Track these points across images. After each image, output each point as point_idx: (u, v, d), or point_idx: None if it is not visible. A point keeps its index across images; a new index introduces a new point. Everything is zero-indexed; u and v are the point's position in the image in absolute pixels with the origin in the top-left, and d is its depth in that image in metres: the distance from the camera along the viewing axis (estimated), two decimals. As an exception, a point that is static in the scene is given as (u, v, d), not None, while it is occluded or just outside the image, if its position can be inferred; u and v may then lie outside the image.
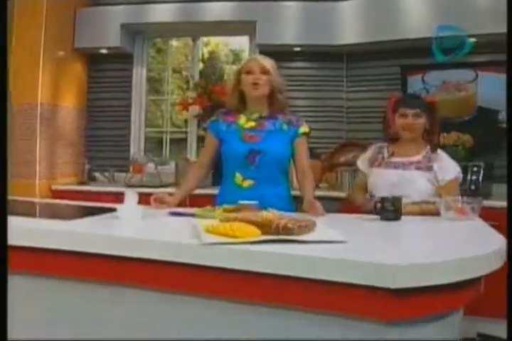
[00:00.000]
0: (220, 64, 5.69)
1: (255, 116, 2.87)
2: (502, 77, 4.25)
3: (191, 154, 5.34)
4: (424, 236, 2.15)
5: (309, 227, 1.87)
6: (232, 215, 1.98)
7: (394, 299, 1.49)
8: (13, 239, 1.87)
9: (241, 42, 5.78)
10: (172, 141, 5.50)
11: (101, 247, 1.84)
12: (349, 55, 4.96)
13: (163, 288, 1.79)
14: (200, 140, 5.34)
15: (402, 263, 1.48)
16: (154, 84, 5.60)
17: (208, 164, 3.00)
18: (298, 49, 4.87)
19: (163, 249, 1.76)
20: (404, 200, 2.55)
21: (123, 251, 1.80)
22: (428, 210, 2.72)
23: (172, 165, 4.99)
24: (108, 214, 2.39)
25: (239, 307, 1.69)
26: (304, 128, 2.90)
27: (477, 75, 4.46)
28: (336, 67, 5.03)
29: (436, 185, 2.86)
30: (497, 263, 1.69)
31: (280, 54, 4.67)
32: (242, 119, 2.88)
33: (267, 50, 4.88)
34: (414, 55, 4.66)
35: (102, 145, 5.28)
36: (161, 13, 4.90)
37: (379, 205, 2.46)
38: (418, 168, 2.87)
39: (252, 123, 2.86)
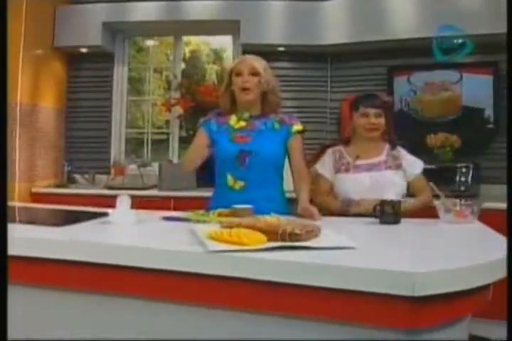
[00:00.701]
0: (201, 63, 5.59)
1: (246, 115, 2.80)
2: (486, 78, 4.28)
3: (174, 155, 5.25)
4: (432, 241, 2.10)
5: (315, 232, 1.81)
6: (235, 221, 1.91)
7: (413, 307, 1.45)
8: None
9: (222, 42, 5.72)
10: (153, 142, 5.40)
11: (100, 256, 1.76)
12: (333, 55, 4.91)
13: (165, 298, 1.72)
14: (182, 141, 5.26)
15: (422, 270, 1.44)
16: (135, 84, 5.49)
17: (196, 161, 2.87)
18: (282, 49, 4.81)
19: (168, 257, 1.69)
20: None
21: (125, 261, 1.72)
22: (410, 209, 2.75)
23: (154, 166, 4.88)
24: (100, 219, 2.31)
25: (250, 318, 1.63)
26: (297, 126, 2.83)
27: (462, 76, 4.45)
28: (319, 67, 4.98)
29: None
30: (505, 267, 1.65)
31: (264, 54, 4.49)
32: (232, 120, 2.82)
33: (250, 50, 4.77)
34: (401, 55, 4.64)
35: (82, 146, 5.16)
36: (143, 12, 4.80)
37: (378, 209, 2.42)
38: (388, 167, 2.86)
39: (242, 123, 2.80)
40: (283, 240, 1.72)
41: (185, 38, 5.35)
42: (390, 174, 2.84)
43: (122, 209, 2.21)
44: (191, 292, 1.66)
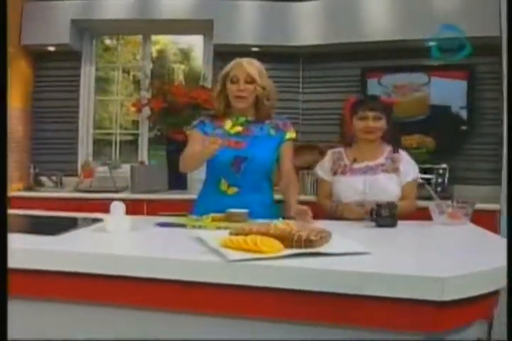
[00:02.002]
0: (168, 63, 5.51)
1: (242, 120, 2.76)
2: (457, 81, 4.35)
3: (143, 157, 5.16)
4: (438, 243, 2.09)
5: (327, 238, 1.78)
6: (247, 227, 1.85)
7: (440, 311, 1.44)
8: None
9: (190, 41, 5.64)
10: (121, 143, 5.30)
11: (111, 268, 1.67)
12: (306, 56, 4.90)
13: (181, 310, 1.64)
14: (151, 142, 5.18)
15: (449, 275, 1.43)
16: (102, 84, 5.36)
17: None
18: (255, 49, 4.76)
19: (187, 268, 1.61)
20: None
21: (139, 272, 1.64)
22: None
23: (123, 168, 4.78)
24: (94, 227, 2.22)
25: (272, 327, 1.58)
26: (290, 134, 2.82)
27: (430, 79, 4.50)
28: (292, 68, 4.96)
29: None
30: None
31: (236, 54, 4.51)
32: (228, 124, 2.78)
33: (223, 50, 4.79)
34: (375, 57, 4.67)
35: (49, 148, 5.01)
36: (113, 10, 4.68)
37: (375, 212, 2.40)
38: (384, 171, 2.83)
39: (238, 128, 2.76)
40: (298, 246, 1.68)
41: (153, 37, 5.23)
42: (384, 178, 2.81)
43: (117, 216, 2.13)
44: (209, 303, 1.59)
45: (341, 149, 2.98)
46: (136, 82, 5.46)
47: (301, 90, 4.96)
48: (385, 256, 1.71)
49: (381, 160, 2.86)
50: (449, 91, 4.42)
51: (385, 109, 2.86)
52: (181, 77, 5.02)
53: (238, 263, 1.55)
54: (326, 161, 2.98)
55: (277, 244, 1.66)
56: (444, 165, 4.02)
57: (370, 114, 2.81)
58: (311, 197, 4.09)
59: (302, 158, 4.67)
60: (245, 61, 2.72)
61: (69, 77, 5.05)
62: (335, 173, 2.90)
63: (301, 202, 4.11)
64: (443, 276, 1.40)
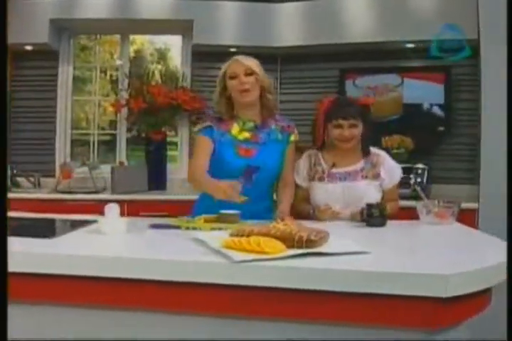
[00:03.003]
0: (145, 63, 5.49)
1: (249, 125, 2.69)
2: (429, 84, 4.44)
3: (121, 157, 5.13)
4: (431, 242, 2.16)
5: (326, 238, 1.81)
6: (248, 228, 1.87)
7: (443, 307, 1.50)
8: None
9: (167, 41, 5.62)
10: (98, 143, 5.26)
11: (111, 270, 1.67)
12: (284, 57, 4.91)
13: (185, 311, 1.66)
14: (129, 142, 5.16)
15: (451, 272, 1.48)
16: (79, 84, 5.32)
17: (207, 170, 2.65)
18: (233, 50, 4.76)
19: (193, 269, 1.63)
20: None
21: (146, 274, 1.64)
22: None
23: (102, 169, 4.76)
24: (88, 228, 2.22)
25: (277, 326, 1.61)
26: (294, 136, 2.77)
27: (403, 81, 4.56)
28: (269, 68, 4.91)
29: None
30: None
31: (214, 54, 4.57)
32: (235, 129, 2.70)
33: (201, 50, 4.81)
34: (353, 58, 4.71)
35: (26, 148, 4.94)
36: (91, 9, 4.63)
37: (365, 212, 2.44)
38: (364, 177, 2.72)
39: (246, 134, 2.69)
40: (299, 247, 1.71)
41: (130, 37, 5.21)
42: (364, 185, 2.70)
43: (113, 218, 2.13)
44: (212, 303, 1.62)
45: (316, 152, 2.82)
46: (113, 82, 5.42)
47: (278, 91, 4.94)
48: (383, 255, 1.75)
49: (360, 164, 2.74)
50: (424, 92, 4.49)
51: (361, 113, 2.70)
52: (158, 77, 4.96)
53: (243, 264, 1.57)
54: (302, 166, 2.80)
55: (280, 244, 1.68)
56: (422, 165, 4.09)
57: (345, 122, 2.65)
58: None
59: None
60: (239, 56, 2.69)
61: (46, 77, 4.99)
62: (312, 179, 2.77)
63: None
64: (446, 273, 1.45)
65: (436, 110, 4.45)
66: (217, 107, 2.74)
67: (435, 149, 4.52)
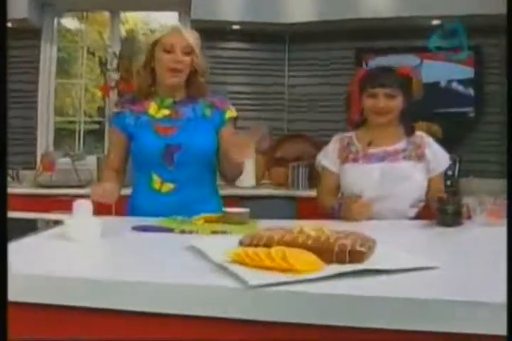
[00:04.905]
0: (137, 44, 4.99)
1: (168, 101, 2.24)
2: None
3: (110, 148, 4.61)
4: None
5: (373, 248, 1.30)
6: (265, 234, 1.34)
7: None
8: None
9: (162, 21, 5.15)
10: (85, 132, 4.79)
11: (77, 297, 1.16)
12: (292, 35, 4.46)
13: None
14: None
15: None
16: (64, 66, 4.85)
17: (121, 167, 2.33)
18: (236, 27, 4.28)
19: (182, 296, 1.12)
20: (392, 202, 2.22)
21: (109, 303, 1.14)
22: None
23: (88, 160, 4.32)
24: (52, 231, 1.71)
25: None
26: (230, 113, 2.30)
27: (422, 61, 4.15)
28: (277, 48, 4.54)
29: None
30: None
31: (215, 32, 4.15)
32: (152, 108, 2.25)
33: (201, 27, 4.25)
34: (371, 36, 4.25)
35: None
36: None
37: (438, 207, 1.99)
38: (408, 158, 2.31)
39: (165, 112, 2.24)
40: (340, 261, 1.20)
41: (122, 17, 4.75)
42: (408, 166, 2.29)
43: (83, 219, 1.62)
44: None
45: (351, 134, 2.44)
46: (103, 65, 4.98)
47: (286, 73, 4.54)
48: (455, 272, 1.23)
49: (402, 144, 2.34)
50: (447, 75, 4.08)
51: (402, 84, 2.32)
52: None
53: (262, 290, 1.06)
54: (332, 148, 2.44)
55: (314, 258, 1.17)
56: (453, 157, 3.59)
57: (381, 90, 2.28)
58: (305, 193, 3.70)
59: (290, 148, 4.28)
60: (181, 27, 2.21)
61: (27, 58, 4.48)
62: (344, 161, 2.37)
63: (295, 199, 3.76)
64: None
65: (464, 91, 4.04)
66: (138, 81, 2.25)
67: (464, 138, 4.02)
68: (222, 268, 1.18)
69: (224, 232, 1.74)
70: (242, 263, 1.17)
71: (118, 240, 1.65)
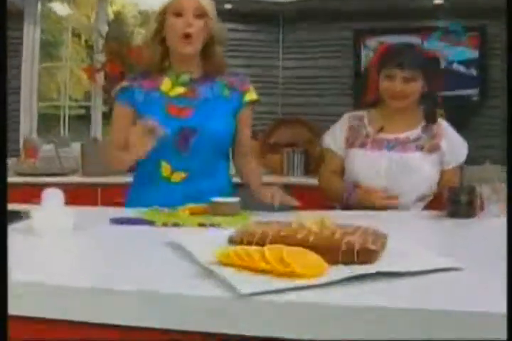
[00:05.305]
0: (126, 27, 4.77)
1: (185, 78, 2.01)
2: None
3: (96, 133, 4.47)
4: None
5: (385, 245, 1.11)
6: (258, 228, 1.15)
7: None
8: None
9: (152, 3, 4.92)
10: (70, 118, 4.61)
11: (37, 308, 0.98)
12: (287, 15, 4.29)
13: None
14: (107, 117, 4.48)
15: None
16: (48, 49, 4.67)
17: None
18: (228, 6, 4.09)
19: (163, 306, 0.92)
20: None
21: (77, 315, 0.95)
22: None
23: (73, 147, 4.11)
24: (17, 224, 1.52)
25: None
26: (250, 95, 2.08)
27: (422, 42, 3.95)
28: (270, 29, 4.39)
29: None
30: None
31: None
32: (166, 84, 2.02)
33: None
34: (371, 17, 4.08)
35: (-15, 123, 4.25)
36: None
37: (449, 197, 1.82)
38: (420, 148, 2.12)
39: (180, 89, 2.01)
40: (348, 261, 1.02)
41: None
42: (418, 158, 2.11)
43: (52, 210, 1.43)
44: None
45: (363, 113, 2.24)
46: (89, 48, 4.77)
47: (280, 56, 4.39)
48: (482, 274, 1.05)
49: (416, 132, 2.15)
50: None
51: (425, 65, 2.10)
52: (140, 42, 4.29)
53: (255, 299, 0.87)
54: (340, 128, 2.24)
55: (316, 258, 0.98)
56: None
57: (400, 73, 2.06)
58: (301, 180, 3.54)
59: (284, 134, 4.11)
60: None
61: (9, 40, 4.24)
62: (351, 145, 2.19)
63: (290, 186, 3.58)
64: None
65: (465, 72, 3.90)
66: (147, 54, 2.02)
67: (469, 123, 3.86)
68: (207, 272, 0.99)
69: (212, 225, 1.56)
70: (231, 265, 0.99)
71: (91, 236, 1.44)
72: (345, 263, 1.02)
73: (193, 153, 1.97)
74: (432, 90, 2.14)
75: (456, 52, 3.90)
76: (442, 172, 2.15)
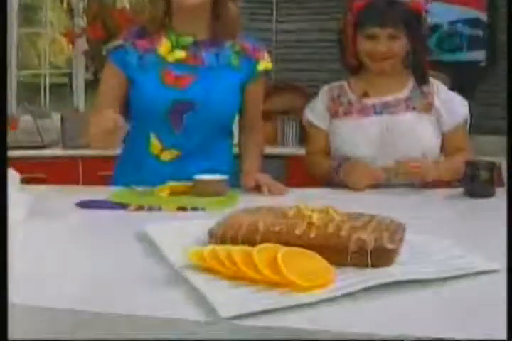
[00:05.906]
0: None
1: (187, 40, 1.74)
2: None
3: (78, 103, 4.27)
4: None
5: (402, 240, 0.89)
6: (245, 220, 0.92)
7: None
8: None
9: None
10: (51, 86, 4.37)
11: None
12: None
13: None
14: (89, 86, 4.26)
15: None
16: (27, 13, 4.45)
17: (118, 110, 1.73)
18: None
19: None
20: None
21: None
22: (449, 171, 1.86)
23: (54, 118, 3.87)
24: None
25: None
26: (264, 63, 1.82)
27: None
28: None
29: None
30: None
31: None
32: (164, 46, 1.74)
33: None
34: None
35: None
36: None
37: (468, 173, 1.66)
38: (412, 108, 1.91)
39: (180, 54, 1.74)
40: (358, 264, 0.80)
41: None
42: (413, 118, 1.91)
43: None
44: None
45: (343, 83, 2.04)
46: (70, 12, 4.51)
47: (274, 18, 4.15)
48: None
49: (405, 92, 1.94)
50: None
51: (408, 21, 1.88)
52: (127, 5, 4.08)
53: (239, 323, 0.65)
54: (320, 100, 2.04)
55: (320, 262, 0.76)
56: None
57: (381, 32, 1.85)
58: (296, 150, 3.34)
59: (279, 101, 3.91)
60: None
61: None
62: (334, 115, 1.98)
63: (284, 157, 3.39)
64: None
65: (471, 33, 3.67)
66: (150, 8, 1.75)
67: (475, 90, 3.65)
68: (182, 280, 0.77)
69: (194, 209, 1.34)
70: (211, 270, 0.76)
71: (46, 227, 1.21)
72: (356, 265, 0.80)
73: (188, 129, 1.75)
74: (417, 48, 1.93)
75: (459, 13, 3.68)
76: (443, 136, 1.94)
